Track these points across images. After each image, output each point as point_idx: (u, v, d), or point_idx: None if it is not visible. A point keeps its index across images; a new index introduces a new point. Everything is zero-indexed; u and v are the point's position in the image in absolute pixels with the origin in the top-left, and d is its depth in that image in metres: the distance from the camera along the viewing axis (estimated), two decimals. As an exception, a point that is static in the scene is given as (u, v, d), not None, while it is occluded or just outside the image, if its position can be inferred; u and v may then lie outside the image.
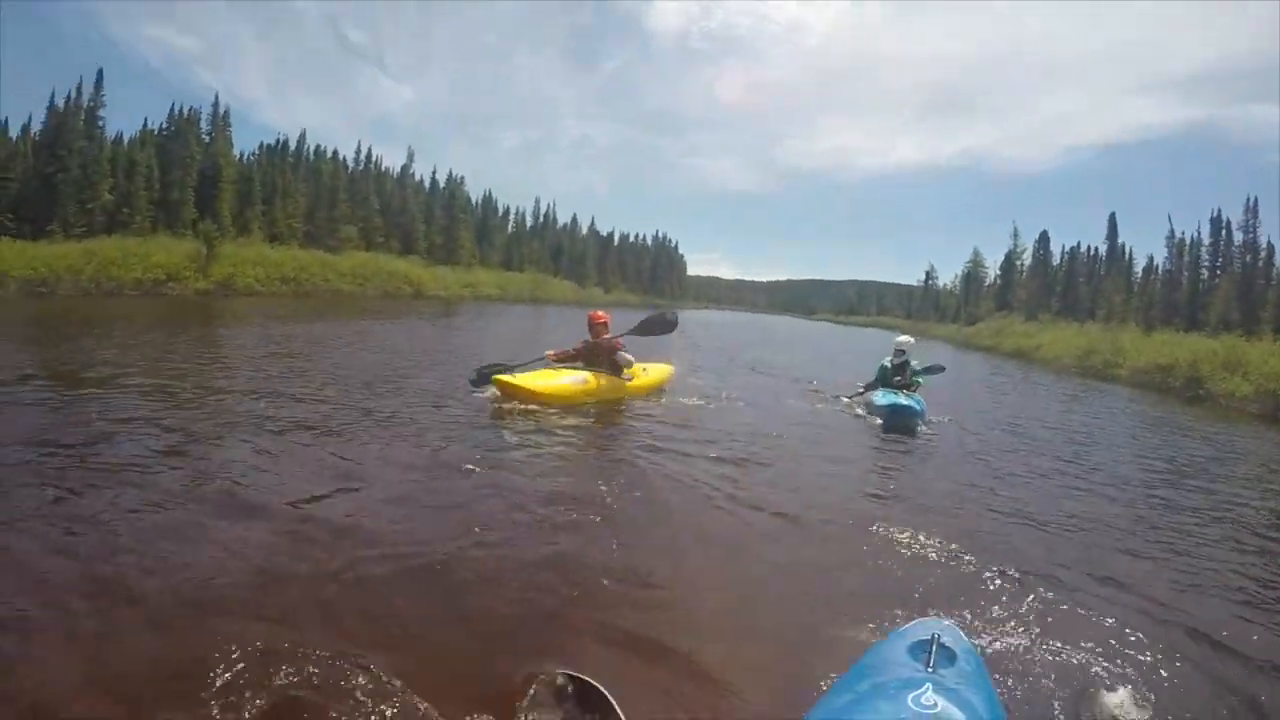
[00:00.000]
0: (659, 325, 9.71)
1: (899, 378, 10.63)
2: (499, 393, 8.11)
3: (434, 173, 62.73)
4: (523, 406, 7.95)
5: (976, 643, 2.45)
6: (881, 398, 10.08)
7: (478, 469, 5.63)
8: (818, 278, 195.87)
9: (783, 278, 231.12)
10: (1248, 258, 41.80)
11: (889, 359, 10.94)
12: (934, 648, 2.02)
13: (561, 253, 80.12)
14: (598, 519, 4.80)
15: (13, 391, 7.41)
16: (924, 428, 9.67)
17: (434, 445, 6.33)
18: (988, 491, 6.80)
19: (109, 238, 30.50)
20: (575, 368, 8.89)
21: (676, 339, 25.58)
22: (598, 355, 9.09)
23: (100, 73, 37.05)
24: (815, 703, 2.04)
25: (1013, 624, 3.73)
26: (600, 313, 9.51)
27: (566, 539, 4.42)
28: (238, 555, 3.77)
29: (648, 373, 9.97)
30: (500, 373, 8.36)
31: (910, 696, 1.71)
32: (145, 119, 41.46)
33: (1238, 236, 43.04)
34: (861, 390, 11.16)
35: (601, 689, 1.48)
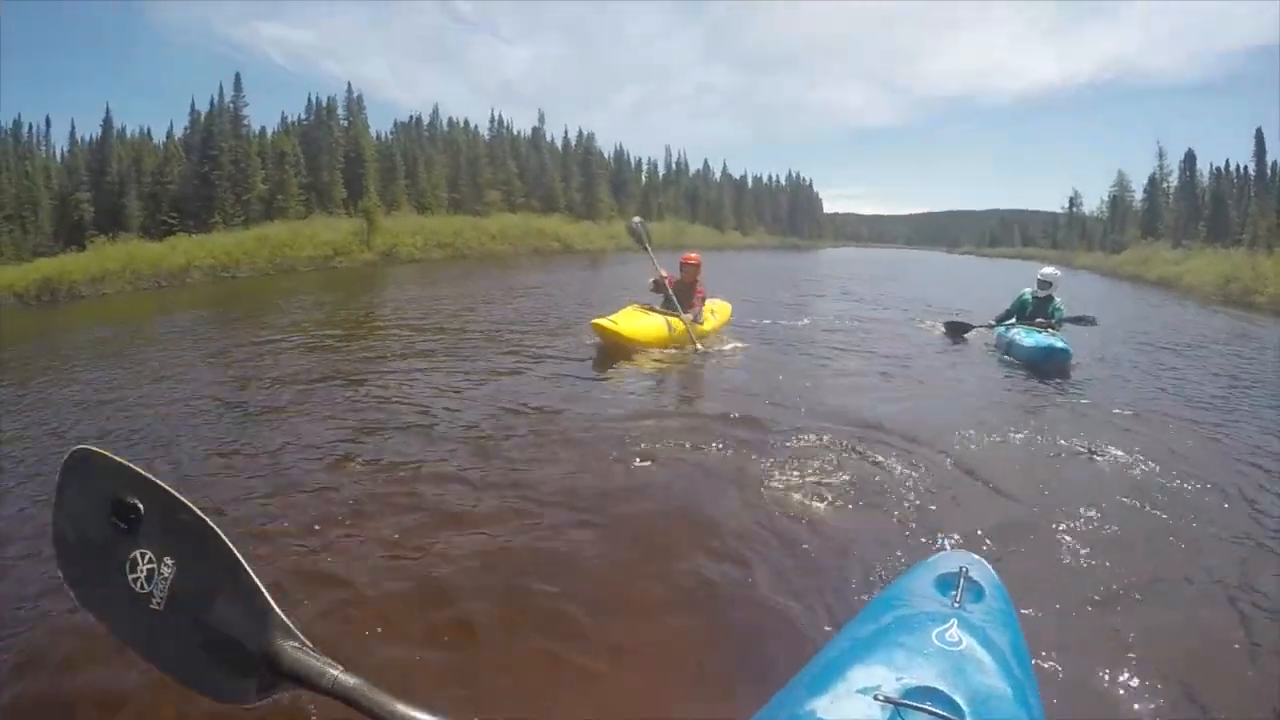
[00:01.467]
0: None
1: (1039, 316, 9.57)
2: (596, 333, 8.55)
3: (565, 132, 62.18)
4: (620, 347, 8.38)
5: (1008, 579, 2.14)
6: (1026, 337, 8.98)
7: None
8: (959, 209, 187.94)
9: (923, 210, 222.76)
10: None
11: (1029, 290, 9.91)
12: (962, 582, 1.97)
13: (698, 199, 78.67)
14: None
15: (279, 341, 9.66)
16: (1075, 369, 8.63)
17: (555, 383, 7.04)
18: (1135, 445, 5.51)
19: (271, 223, 31.86)
20: (658, 310, 9.04)
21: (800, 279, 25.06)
22: (685, 296, 9.17)
23: (238, 75, 39.23)
24: (840, 629, 2.04)
25: (1054, 569, 3.47)
26: (693, 255, 9.75)
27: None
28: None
29: (715, 315, 10.04)
30: (641, 242, 9.86)
31: (935, 631, 1.68)
32: (282, 113, 42.94)
33: None
34: (993, 324, 10.28)
35: None
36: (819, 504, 4.06)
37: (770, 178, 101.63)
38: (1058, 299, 9.76)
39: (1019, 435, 5.65)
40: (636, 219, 10.32)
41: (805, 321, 12.18)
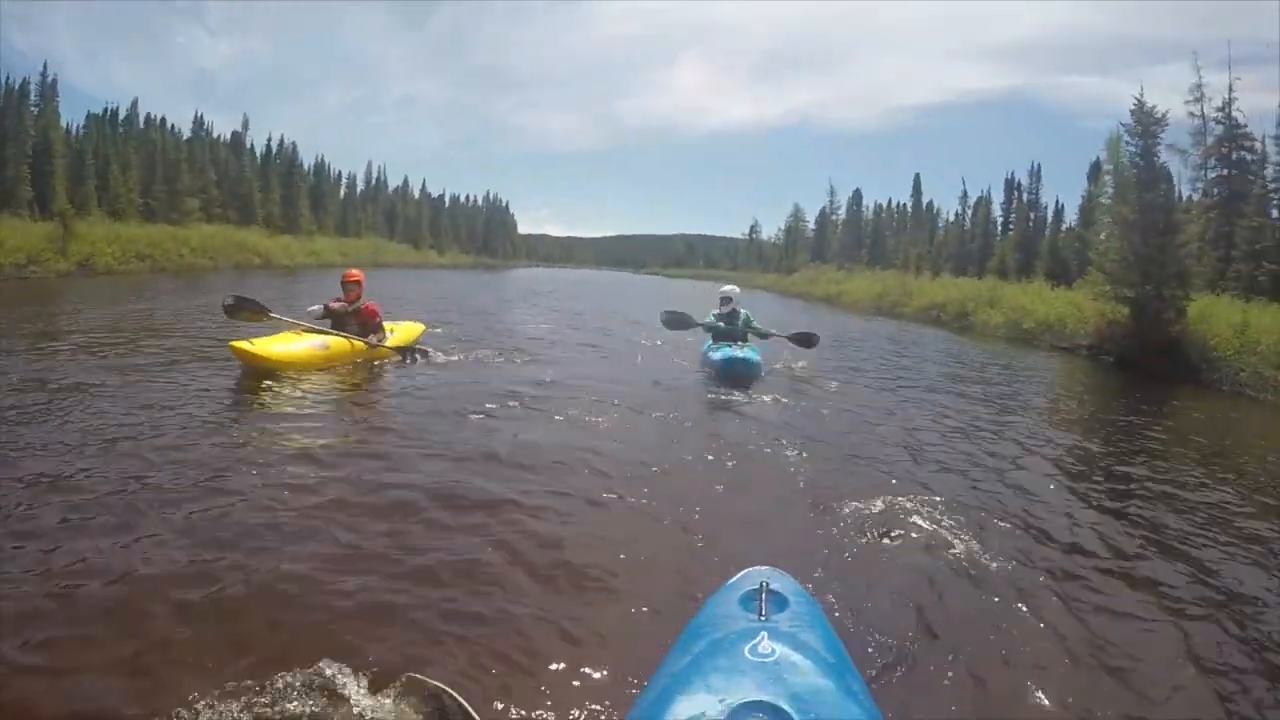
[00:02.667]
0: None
1: (729, 329, 10.33)
2: (237, 359, 7.80)
3: (268, 140, 61.47)
4: (267, 372, 7.74)
5: (809, 584, 2.41)
6: (715, 351, 9.83)
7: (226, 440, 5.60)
8: (647, 233, 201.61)
9: (612, 233, 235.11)
10: (1031, 215, 48.94)
11: (715, 311, 10.60)
12: (764, 595, 2.05)
13: (396, 217, 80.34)
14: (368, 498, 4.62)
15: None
16: (762, 378, 9.64)
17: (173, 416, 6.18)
18: (820, 434, 7.22)
19: None
20: (320, 330, 8.59)
21: (510, 293, 28.48)
22: (345, 317, 8.92)
23: None
24: (654, 670, 2.01)
25: (842, 559, 4.02)
26: (355, 271, 9.31)
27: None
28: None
29: (395, 334, 9.69)
30: (255, 309, 8.64)
31: (747, 647, 1.75)
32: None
33: (1027, 198, 50.44)
34: (704, 327, 10.79)
35: (463, 702, 1.64)
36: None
37: (468, 197, 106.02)
38: (743, 311, 10.47)
39: (708, 440, 6.56)
40: (229, 299, 8.75)
41: (511, 337, 12.92)
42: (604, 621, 3.32)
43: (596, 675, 2.86)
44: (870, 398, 9.75)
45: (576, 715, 2.62)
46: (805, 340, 11.17)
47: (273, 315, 8.62)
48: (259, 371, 7.69)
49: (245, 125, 58.94)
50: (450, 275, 49.47)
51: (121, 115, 49.59)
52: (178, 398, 6.76)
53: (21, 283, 26.09)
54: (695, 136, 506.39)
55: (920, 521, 4.62)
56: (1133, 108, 18.85)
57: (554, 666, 2.92)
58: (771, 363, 10.62)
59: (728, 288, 10.89)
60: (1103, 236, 20.83)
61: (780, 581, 2.22)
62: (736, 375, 9.30)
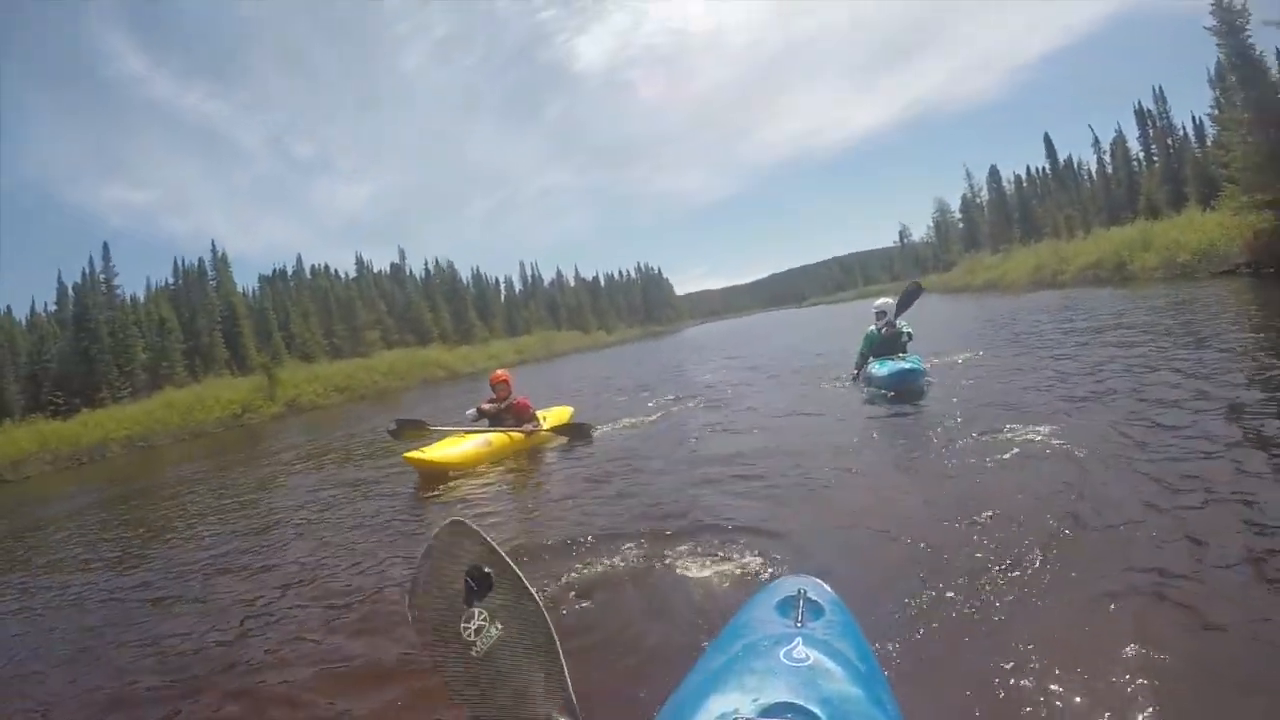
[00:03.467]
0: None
1: (889, 344, 9.91)
2: (412, 467, 8.47)
3: (425, 264, 64.45)
4: (440, 474, 8.30)
5: (846, 595, 2.30)
6: (879, 368, 9.54)
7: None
8: (801, 264, 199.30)
9: (768, 274, 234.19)
10: (1170, 140, 44.10)
11: (873, 326, 10.22)
12: (801, 602, 2.07)
13: (558, 306, 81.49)
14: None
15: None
16: (928, 383, 9.28)
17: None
18: (954, 423, 6.54)
19: (162, 391, 32.18)
20: (478, 430, 9.18)
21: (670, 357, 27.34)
22: (501, 414, 9.40)
23: (106, 245, 39.67)
24: (691, 667, 2.02)
25: (880, 572, 3.67)
26: (501, 372, 9.81)
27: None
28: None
29: (547, 420, 10.10)
30: (416, 427, 9.80)
31: (782, 652, 1.76)
32: (147, 278, 43.32)
33: (1159, 124, 45.37)
34: (855, 373, 10.47)
35: None
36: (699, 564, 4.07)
37: (621, 272, 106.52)
38: (898, 321, 9.98)
39: (878, 459, 6.09)
40: (392, 424, 10.24)
41: (665, 400, 12.28)
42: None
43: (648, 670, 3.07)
44: (1016, 370, 9.36)
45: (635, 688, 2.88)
46: (910, 298, 10.41)
47: (433, 429, 9.54)
48: (433, 475, 8.33)
49: (402, 256, 62.53)
50: (617, 351, 48.92)
51: (289, 271, 52.80)
52: (383, 503, 7.77)
53: (241, 428, 28.34)
54: (821, 156, 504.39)
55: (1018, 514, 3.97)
56: (1211, 7, 17.34)
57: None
58: (933, 363, 10.39)
59: (880, 301, 10.78)
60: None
61: (817, 590, 2.18)
62: (907, 387, 9.00)
